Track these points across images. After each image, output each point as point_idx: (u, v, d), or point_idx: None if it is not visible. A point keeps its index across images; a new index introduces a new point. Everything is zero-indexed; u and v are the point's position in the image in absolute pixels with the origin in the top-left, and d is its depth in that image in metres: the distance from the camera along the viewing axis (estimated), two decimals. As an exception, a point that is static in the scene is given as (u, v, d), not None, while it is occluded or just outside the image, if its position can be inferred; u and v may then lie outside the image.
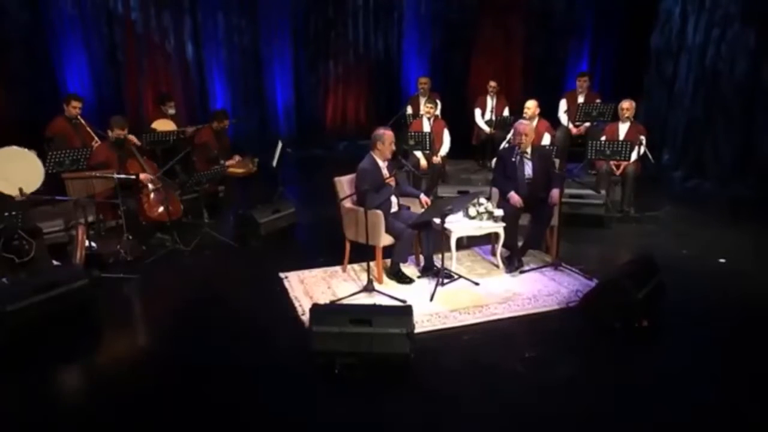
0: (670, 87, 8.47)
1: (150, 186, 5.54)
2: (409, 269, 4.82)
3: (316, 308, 3.42)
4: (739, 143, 7.58)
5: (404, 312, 3.36)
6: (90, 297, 4.11)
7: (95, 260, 4.83)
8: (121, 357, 3.75)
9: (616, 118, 6.76)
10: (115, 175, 5.03)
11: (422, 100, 7.95)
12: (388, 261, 4.74)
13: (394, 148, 4.70)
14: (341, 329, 3.24)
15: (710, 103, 7.91)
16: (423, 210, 4.68)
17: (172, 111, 7.53)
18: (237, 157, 6.89)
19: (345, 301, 4.26)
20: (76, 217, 5.02)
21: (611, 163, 6.36)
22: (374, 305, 3.69)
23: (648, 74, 8.78)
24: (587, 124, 7.54)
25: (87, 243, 4.91)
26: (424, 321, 3.95)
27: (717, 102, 7.81)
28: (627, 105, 6.53)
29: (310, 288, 4.59)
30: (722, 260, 5.06)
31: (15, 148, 5.02)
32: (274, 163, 6.77)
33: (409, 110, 8.34)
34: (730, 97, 7.64)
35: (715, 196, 7.39)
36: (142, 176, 5.43)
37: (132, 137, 5.90)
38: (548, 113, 7.30)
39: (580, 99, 7.76)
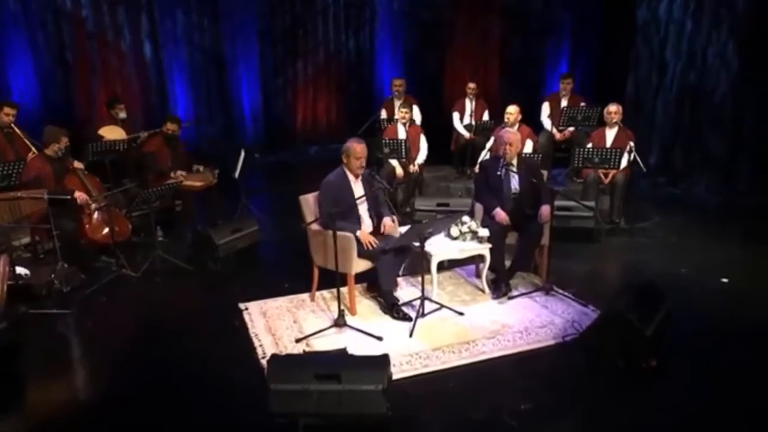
0: (658, 67, 8.02)
1: (92, 205, 4.92)
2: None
3: (275, 361, 2.89)
4: (727, 147, 7.29)
5: (379, 363, 2.84)
6: (12, 342, 3.50)
7: (24, 293, 4.20)
8: (48, 412, 3.16)
9: (602, 122, 6.36)
10: (45, 196, 4.38)
11: (397, 104, 7.46)
12: (361, 287, 4.23)
13: (363, 165, 4.15)
14: (304, 386, 2.71)
15: (696, 104, 7.60)
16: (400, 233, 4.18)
17: (123, 115, 6.84)
18: (199, 167, 6.21)
19: (313, 339, 3.74)
20: None
21: (599, 171, 5.95)
22: (344, 354, 3.17)
23: (635, 48, 8.29)
24: (571, 129, 7.12)
25: (18, 271, 4.29)
26: (404, 363, 3.44)
27: (703, 103, 7.51)
28: (614, 109, 6.11)
29: (273, 322, 4.03)
30: (725, 279, 4.67)
31: None
32: (236, 175, 6.19)
33: (383, 114, 7.81)
34: (717, 97, 7.33)
35: (702, 204, 7.07)
36: (77, 194, 4.76)
37: (77, 163, 5.18)
38: (528, 117, 6.85)
39: (564, 102, 7.33)
